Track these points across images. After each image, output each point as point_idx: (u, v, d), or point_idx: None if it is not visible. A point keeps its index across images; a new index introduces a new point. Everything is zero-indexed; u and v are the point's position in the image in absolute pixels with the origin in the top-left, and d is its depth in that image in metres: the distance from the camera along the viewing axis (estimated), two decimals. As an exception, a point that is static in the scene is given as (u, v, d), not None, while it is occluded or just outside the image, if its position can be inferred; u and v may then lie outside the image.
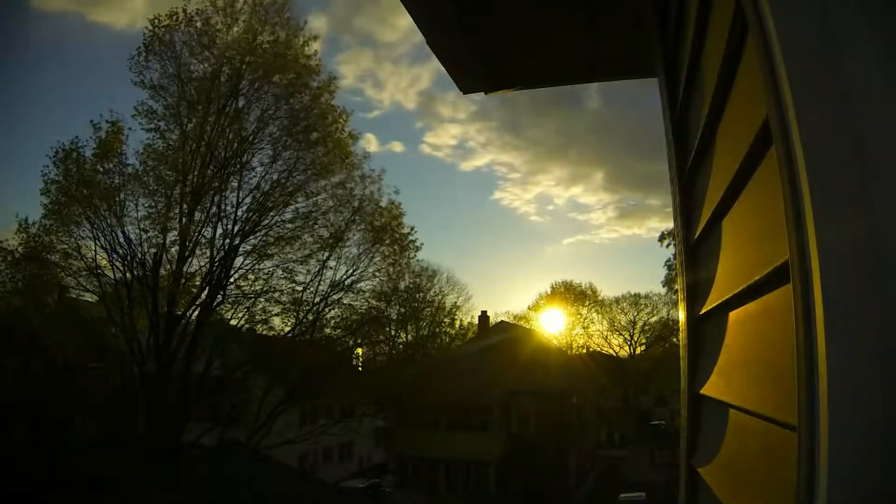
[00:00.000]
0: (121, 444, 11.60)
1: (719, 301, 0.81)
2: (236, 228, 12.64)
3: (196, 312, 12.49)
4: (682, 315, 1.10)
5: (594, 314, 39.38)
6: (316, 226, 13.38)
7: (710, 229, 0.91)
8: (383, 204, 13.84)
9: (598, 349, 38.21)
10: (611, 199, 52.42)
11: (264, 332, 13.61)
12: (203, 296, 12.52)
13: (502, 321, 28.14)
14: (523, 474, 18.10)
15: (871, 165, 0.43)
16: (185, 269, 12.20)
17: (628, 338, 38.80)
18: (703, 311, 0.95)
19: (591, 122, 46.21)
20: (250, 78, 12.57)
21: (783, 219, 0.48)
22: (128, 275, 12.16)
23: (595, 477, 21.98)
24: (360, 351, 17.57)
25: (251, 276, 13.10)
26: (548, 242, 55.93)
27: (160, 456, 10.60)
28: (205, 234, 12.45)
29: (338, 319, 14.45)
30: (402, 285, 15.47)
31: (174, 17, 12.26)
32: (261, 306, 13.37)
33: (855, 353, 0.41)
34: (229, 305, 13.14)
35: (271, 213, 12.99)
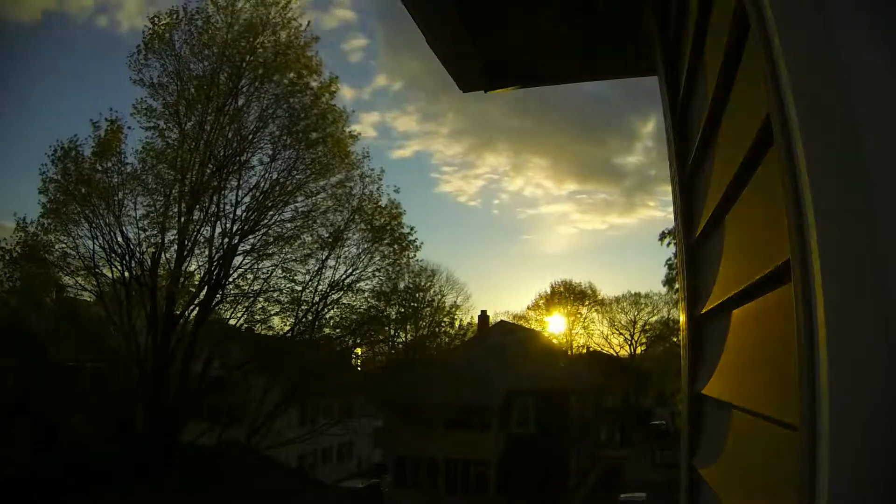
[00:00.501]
0: (119, 444, 11.59)
1: (720, 300, 0.81)
2: (235, 228, 12.65)
3: (195, 312, 12.48)
4: (682, 314, 1.10)
5: (594, 314, 39.43)
6: (315, 225, 13.40)
7: (710, 229, 0.91)
8: (383, 203, 13.86)
9: (599, 349, 38.26)
10: (559, 191, 50.53)
11: (263, 332, 13.60)
12: (202, 295, 12.52)
13: (502, 321, 28.18)
14: (523, 474, 18.11)
15: (871, 165, 0.43)
16: (183, 268, 12.20)
17: (629, 337, 38.83)
18: (703, 311, 0.95)
19: (510, 106, 42.68)
20: (250, 77, 12.56)
21: (784, 218, 0.48)
22: (126, 274, 12.15)
23: (595, 477, 21.99)
24: (359, 351, 17.57)
25: (250, 276, 13.11)
26: (506, 238, 53.86)
27: (158, 456, 10.58)
28: (204, 233, 12.46)
29: (337, 319, 14.45)
30: (401, 285, 15.47)
31: (174, 16, 12.25)
32: (260, 306, 13.39)
33: (856, 353, 0.40)
34: (228, 305, 13.15)
35: (270, 213, 13.00)
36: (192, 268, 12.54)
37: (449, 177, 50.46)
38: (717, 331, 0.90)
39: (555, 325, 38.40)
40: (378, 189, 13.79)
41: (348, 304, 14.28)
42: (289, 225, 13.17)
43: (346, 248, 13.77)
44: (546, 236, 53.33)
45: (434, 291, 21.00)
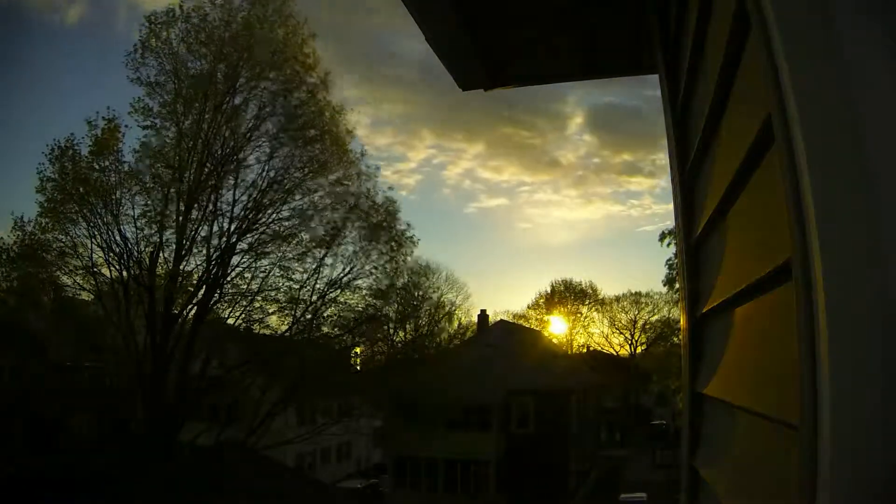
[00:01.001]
0: (118, 444, 11.58)
1: (721, 300, 0.81)
2: (233, 226, 12.64)
3: (193, 311, 12.46)
4: (683, 314, 1.10)
5: (594, 313, 39.43)
6: (313, 223, 13.38)
7: (711, 228, 0.91)
8: (379, 201, 13.84)
9: (599, 348, 38.26)
10: (502, 183, 47.88)
11: (261, 331, 13.59)
12: (200, 294, 12.50)
13: (502, 320, 28.15)
14: (523, 474, 18.13)
15: (872, 164, 0.43)
16: (181, 267, 12.19)
17: (629, 336, 38.86)
18: (704, 311, 0.95)
19: (426, 92, 38.47)
20: (247, 75, 12.54)
21: (785, 217, 0.48)
22: (124, 273, 12.13)
23: (595, 477, 22.01)
24: (358, 350, 17.57)
25: (248, 275, 13.10)
26: (460, 234, 50.51)
27: (157, 455, 10.57)
28: (201, 232, 12.45)
29: (335, 318, 14.44)
30: (399, 283, 15.46)
31: (171, 14, 12.21)
32: (258, 305, 13.37)
33: (856, 352, 0.40)
34: (226, 304, 13.14)
35: (268, 211, 12.99)
36: (190, 267, 12.54)
37: (382, 171, 48.36)
38: (717, 330, 0.90)
39: (555, 325, 38.43)
40: (374, 186, 13.80)
41: (346, 302, 14.29)
42: (286, 223, 13.18)
43: (343, 247, 13.78)
44: (503, 232, 51.35)
45: (433, 290, 21.02)
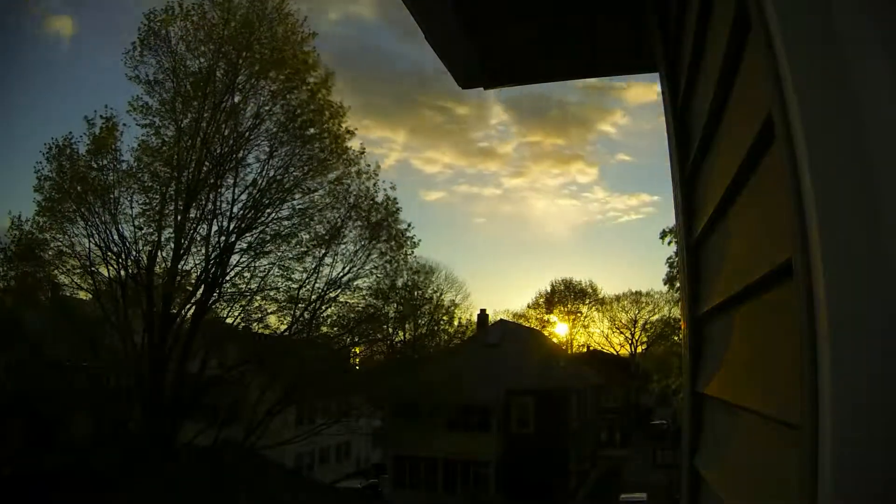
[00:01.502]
0: (115, 444, 11.56)
1: (721, 299, 0.81)
2: (232, 226, 12.60)
3: (191, 310, 12.44)
4: (683, 314, 1.10)
5: (594, 312, 39.52)
6: (312, 222, 13.35)
7: (712, 227, 0.91)
8: (379, 200, 13.82)
9: (599, 348, 38.35)
10: (437, 175, 46.55)
11: (260, 331, 13.56)
12: (198, 294, 12.47)
13: (501, 319, 28.16)
14: (523, 474, 18.15)
15: (873, 163, 0.43)
16: (180, 266, 12.15)
17: (629, 336, 38.95)
18: (705, 310, 0.95)
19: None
20: (247, 73, 12.50)
21: (785, 216, 0.48)
22: (122, 273, 12.09)
23: (595, 477, 22.04)
24: (357, 350, 17.54)
25: (247, 274, 13.06)
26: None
27: (155, 456, 10.56)
28: (200, 231, 12.40)
29: (335, 318, 14.42)
30: (399, 282, 15.45)
31: (170, 12, 12.17)
32: (257, 304, 13.34)
33: (857, 352, 0.41)
34: (225, 303, 13.09)
35: (267, 210, 12.94)
36: (189, 266, 12.50)
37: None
38: (718, 330, 0.91)
39: (555, 324, 38.49)
40: (374, 185, 13.77)
41: (346, 302, 14.26)
42: (286, 222, 13.14)
43: (343, 246, 13.73)
44: (459, 227, 50.66)
45: (433, 289, 20.98)
